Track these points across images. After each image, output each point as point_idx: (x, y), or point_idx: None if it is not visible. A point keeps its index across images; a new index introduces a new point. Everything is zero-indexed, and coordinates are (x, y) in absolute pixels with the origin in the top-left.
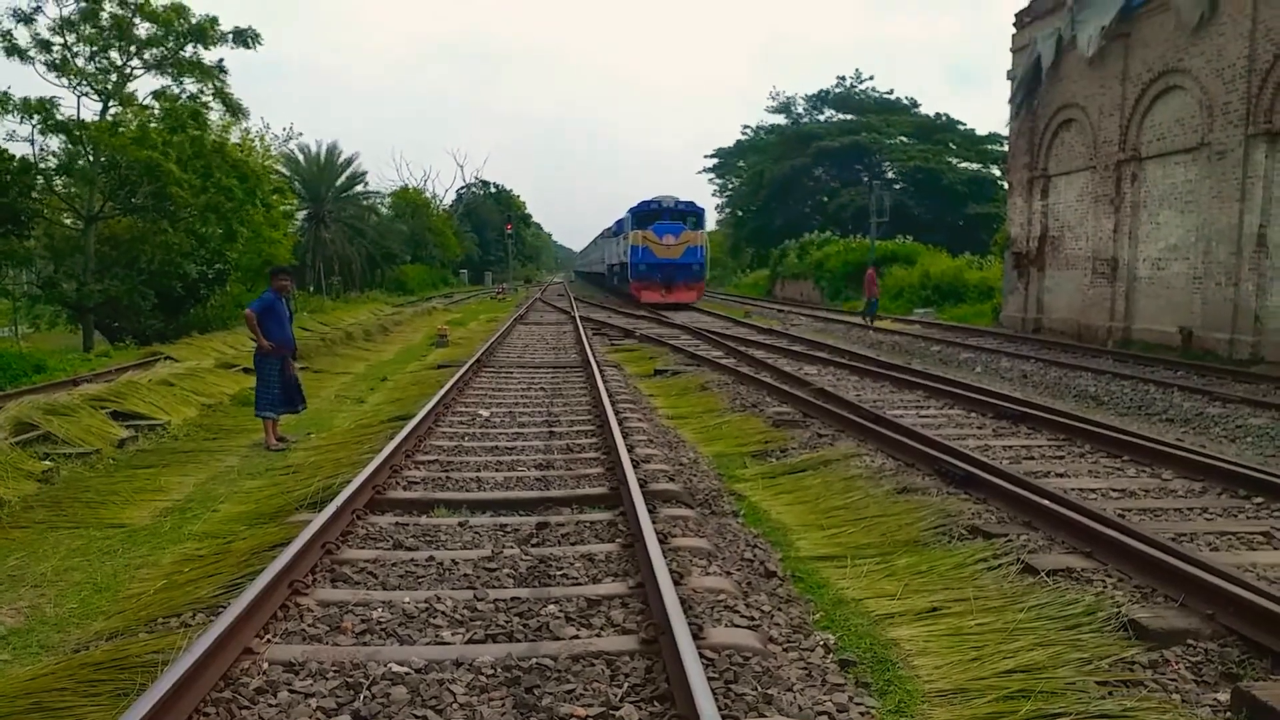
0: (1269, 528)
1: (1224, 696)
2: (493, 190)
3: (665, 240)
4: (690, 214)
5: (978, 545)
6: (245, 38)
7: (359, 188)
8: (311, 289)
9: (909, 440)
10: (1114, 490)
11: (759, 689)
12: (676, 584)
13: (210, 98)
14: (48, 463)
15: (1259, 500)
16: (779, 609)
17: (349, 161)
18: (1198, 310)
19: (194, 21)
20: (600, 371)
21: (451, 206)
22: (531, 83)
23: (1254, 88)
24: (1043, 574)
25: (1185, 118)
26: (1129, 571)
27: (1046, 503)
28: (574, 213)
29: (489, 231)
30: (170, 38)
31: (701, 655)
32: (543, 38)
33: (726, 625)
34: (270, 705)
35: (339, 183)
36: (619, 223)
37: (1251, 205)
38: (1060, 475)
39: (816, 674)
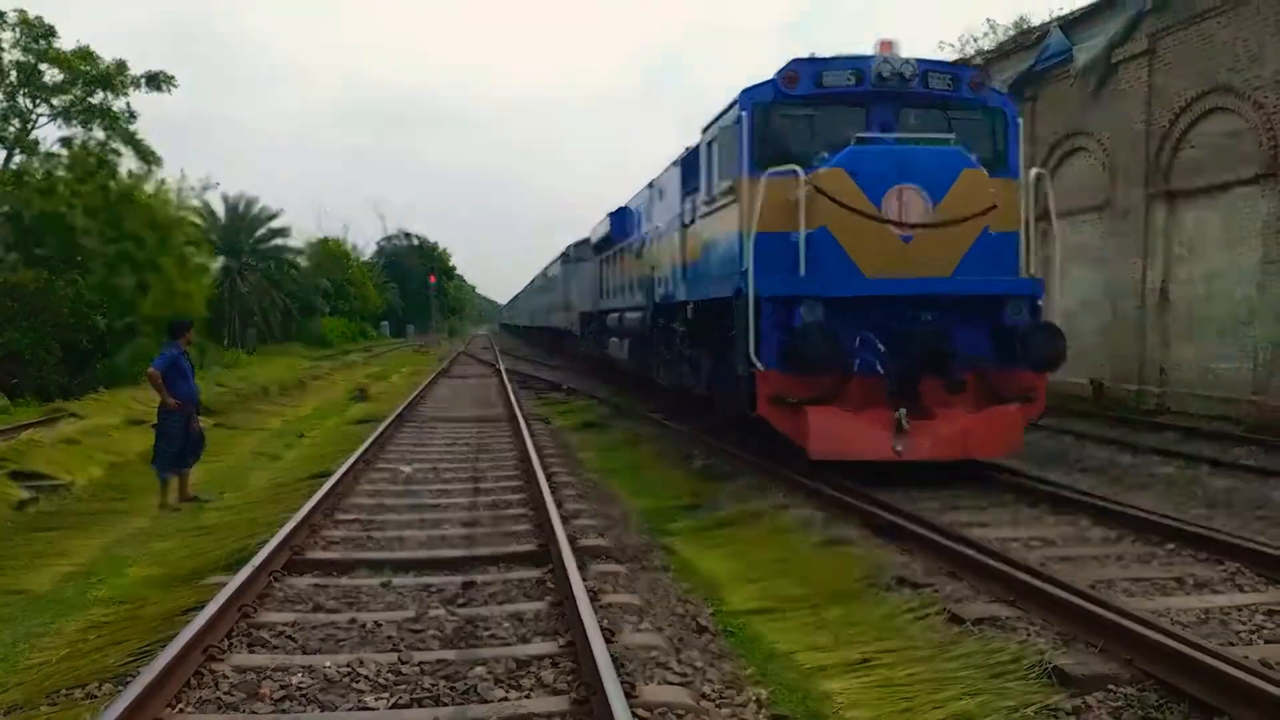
0: (1180, 573)
1: None
2: (415, 242)
3: (907, 203)
4: (968, 108)
5: (905, 595)
6: (158, 81)
7: (278, 240)
8: (226, 342)
9: (836, 494)
10: (1035, 539)
11: None
12: (608, 641)
13: (120, 144)
14: None
15: (1170, 546)
16: (711, 664)
17: (268, 214)
18: (1106, 363)
19: (102, 66)
20: (527, 425)
21: (373, 257)
22: (444, 144)
23: (1152, 151)
24: (969, 623)
25: (1090, 179)
26: (1051, 619)
27: (971, 553)
28: (496, 266)
29: (411, 283)
30: (78, 84)
31: (634, 715)
32: (452, 103)
33: (659, 683)
34: None
35: (258, 234)
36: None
37: (1154, 262)
38: (983, 525)
39: None
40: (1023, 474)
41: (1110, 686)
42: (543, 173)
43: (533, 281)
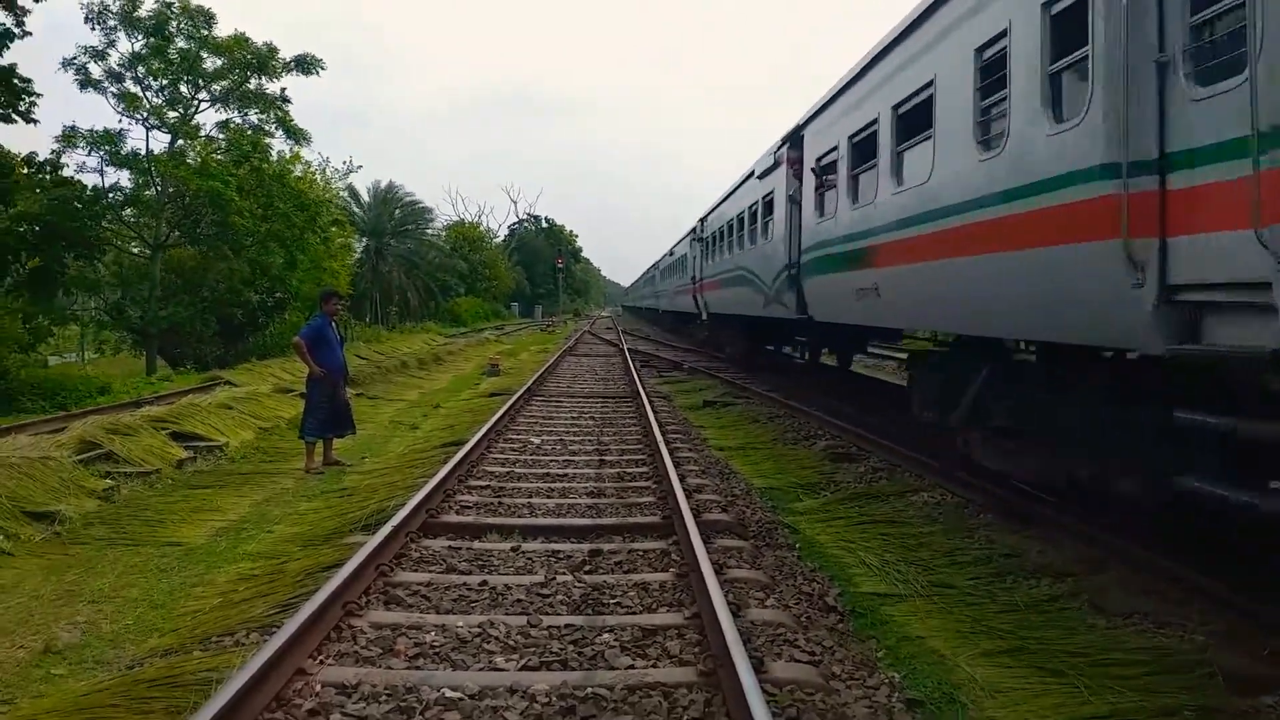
0: None
1: None
2: (544, 225)
3: None
4: None
5: (1042, 586)
6: (306, 64)
7: (416, 223)
8: (368, 319)
9: (969, 477)
10: None
11: None
12: (734, 616)
13: (273, 126)
14: (109, 481)
15: None
16: (840, 645)
17: (409, 198)
18: None
19: (255, 49)
20: (649, 401)
21: (504, 241)
22: (574, 128)
23: None
24: (1114, 614)
25: None
26: None
27: (1119, 541)
28: (621, 250)
29: (539, 265)
30: (234, 70)
31: (763, 690)
32: (583, 92)
33: (787, 660)
34: None
35: (398, 217)
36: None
37: None
38: None
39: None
40: None
41: None
42: (668, 162)
43: (657, 262)
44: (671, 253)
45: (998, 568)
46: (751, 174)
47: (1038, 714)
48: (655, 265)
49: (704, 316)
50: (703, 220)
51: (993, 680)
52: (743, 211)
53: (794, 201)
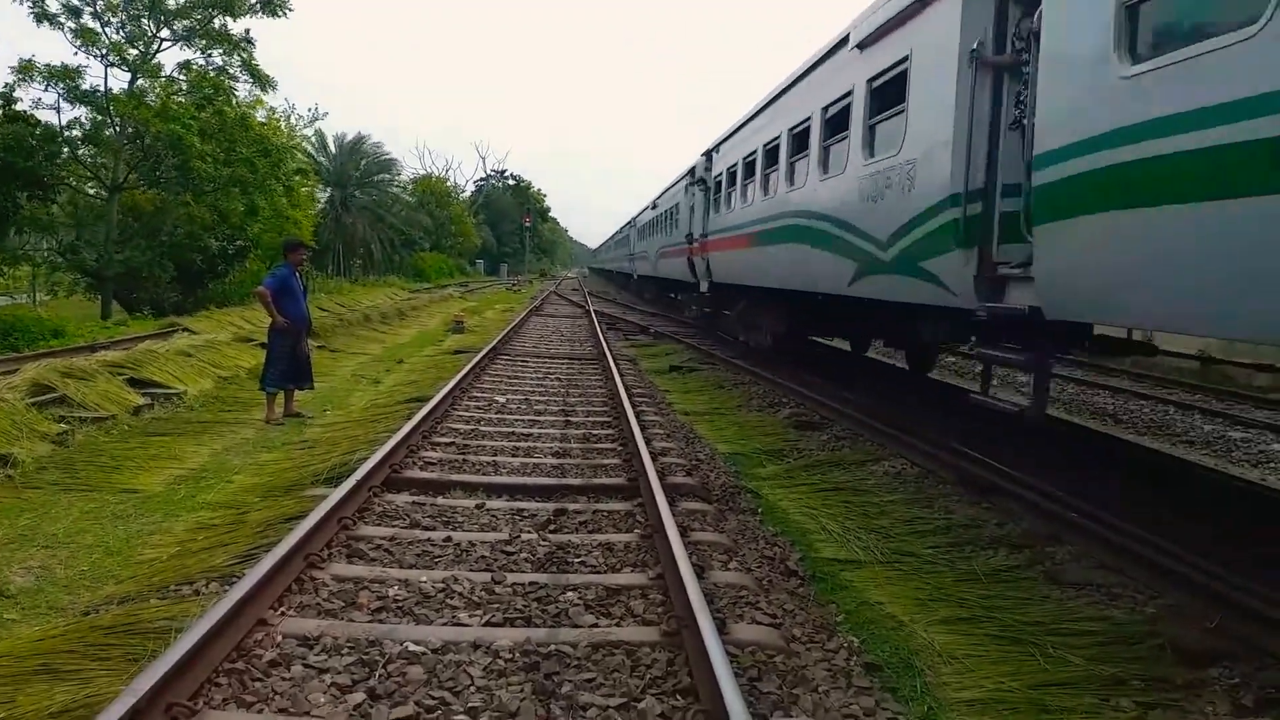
0: None
1: None
2: (511, 182)
3: None
4: None
5: (1000, 555)
6: (273, 6)
7: (383, 175)
8: (331, 271)
9: (930, 448)
10: None
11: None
12: (698, 577)
13: (237, 69)
14: (63, 425)
15: None
16: (801, 608)
17: (376, 150)
18: None
19: None
20: (616, 365)
21: (471, 198)
22: (549, 89)
23: None
24: (1069, 585)
25: None
26: None
27: (1073, 516)
28: (589, 210)
29: (506, 223)
30: (198, 8)
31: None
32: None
33: (749, 622)
34: (284, 679)
35: (364, 168)
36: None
37: None
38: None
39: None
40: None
41: None
42: (645, 128)
43: (635, 218)
44: (654, 205)
45: (957, 537)
46: (843, 43)
47: (992, 680)
48: (632, 222)
49: (703, 287)
50: (711, 153)
51: (949, 647)
52: (814, 119)
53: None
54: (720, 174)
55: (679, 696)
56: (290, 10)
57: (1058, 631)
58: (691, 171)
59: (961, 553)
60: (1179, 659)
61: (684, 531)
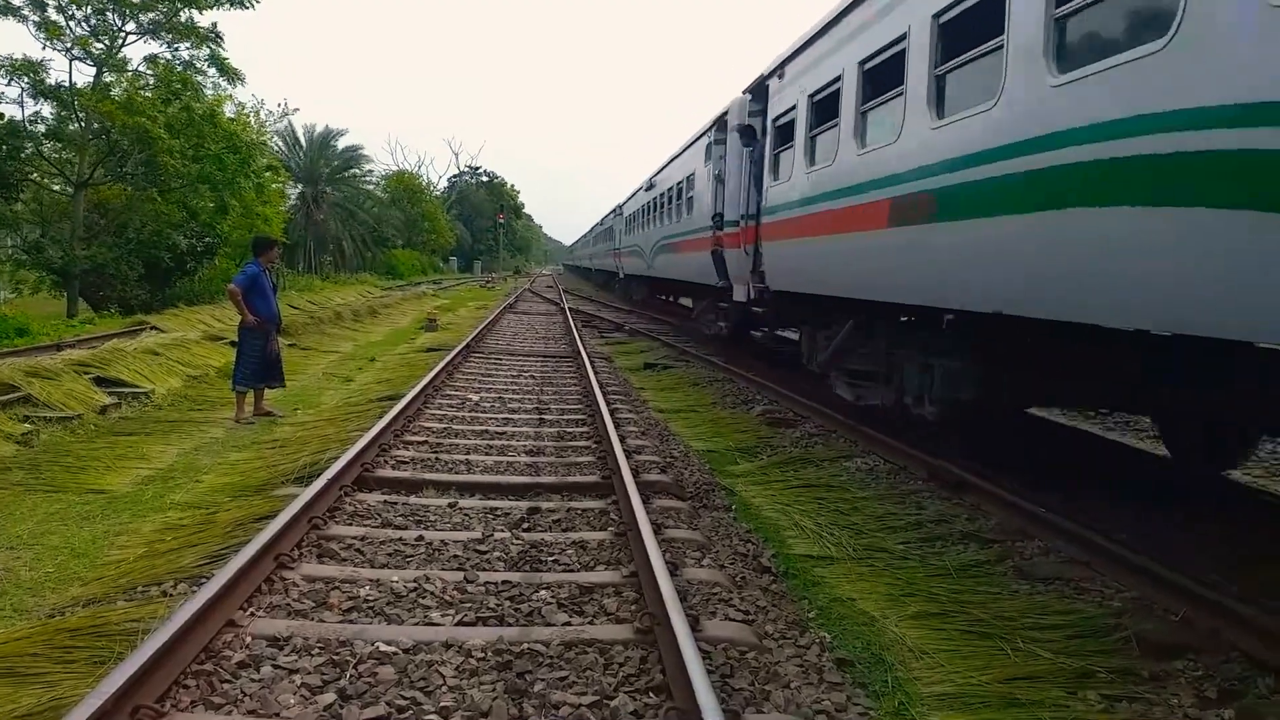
0: None
1: None
2: (485, 179)
3: None
4: None
5: (971, 551)
6: None
7: (355, 171)
8: (302, 268)
9: (902, 445)
10: None
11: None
12: (672, 575)
13: (205, 63)
14: (28, 425)
15: None
16: (774, 605)
17: (348, 145)
18: None
19: None
20: (590, 362)
21: (444, 194)
22: (523, 84)
23: None
24: (1038, 580)
25: None
26: None
27: (1041, 511)
28: (565, 208)
29: (480, 220)
30: (164, 1)
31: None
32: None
33: (722, 619)
34: (253, 680)
35: (335, 164)
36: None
37: None
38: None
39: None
40: None
41: None
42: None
43: (620, 206)
44: (651, 185)
45: (928, 533)
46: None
47: (962, 674)
48: (617, 210)
49: (739, 294)
50: (766, 82)
51: (920, 642)
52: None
53: None
54: (794, 107)
55: (652, 694)
56: (258, 2)
57: (1027, 625)
58: (720, 124)
59: (932, 548)
60: (1145, 652)
61: (657, 529)
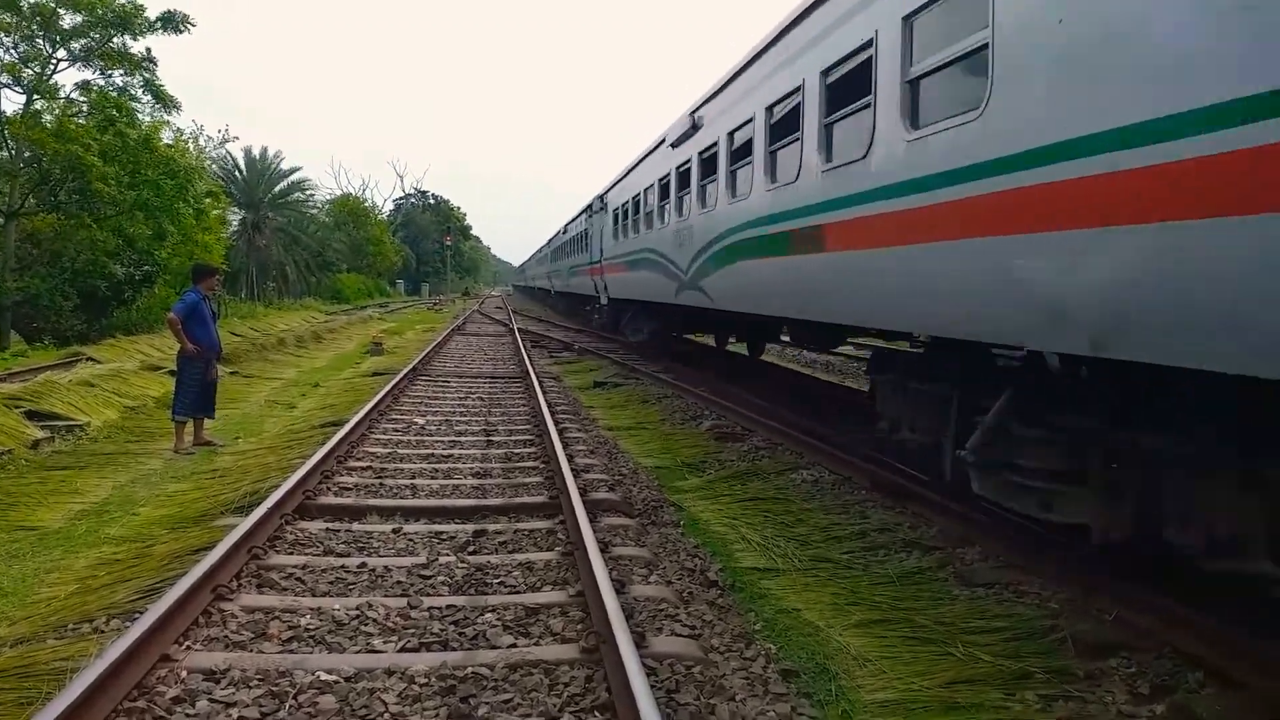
0: None
1: None
2: (431, 201)
3: None
4: None
5: (913, 560)
6: (175, 23)
7: (297, 195)
8: (244, 294)
9: (846, 456)
10: None
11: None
12: (618, 592)
13: (139, 90)
14: None
15: None
16: (720, 618)
17: (289, 169)
18: None
19: (116, 6)
20: (539, 382)
21: (390, 217)
22: (466, 105)
23: None
24: (978, 585)
25: None
26: None
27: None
28: (512, 228)
29: (426, 242)
30: (96, 27)
31: (644, 664)
32: (481, 70)
33: (668, 634)
34: (188, 715)
35: (277, 188)
36: None
37: None
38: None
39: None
40: None
41: None
42: (566, 145)
43: (591, 208)
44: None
45: (871, 542)
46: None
47: (904, 681)
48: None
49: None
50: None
51: (864, 649)
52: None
53: None
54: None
55: (597, 713)
56: (193, 25)
57: (967, 630)
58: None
59: (876, 557)
60: (1080, 651)
61: (605, 547)
